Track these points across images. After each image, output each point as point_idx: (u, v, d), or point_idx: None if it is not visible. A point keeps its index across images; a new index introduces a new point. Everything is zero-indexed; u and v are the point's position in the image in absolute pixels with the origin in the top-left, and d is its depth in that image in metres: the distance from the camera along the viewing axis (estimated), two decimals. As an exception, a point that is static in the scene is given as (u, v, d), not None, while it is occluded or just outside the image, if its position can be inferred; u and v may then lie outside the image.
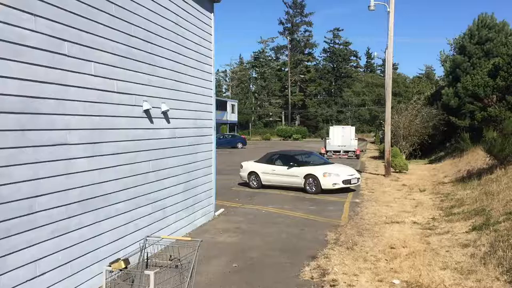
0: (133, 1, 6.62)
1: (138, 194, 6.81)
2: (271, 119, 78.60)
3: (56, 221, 5.02)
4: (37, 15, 4.74)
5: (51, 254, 4.91)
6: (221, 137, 43.09)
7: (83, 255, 5.43)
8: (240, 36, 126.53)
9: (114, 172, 6.16)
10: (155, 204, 7.37)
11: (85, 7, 5.49)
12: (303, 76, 77.60)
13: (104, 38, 5.90)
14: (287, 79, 76.64)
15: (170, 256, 4.77)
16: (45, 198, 4.86)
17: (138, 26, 6.76)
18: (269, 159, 15.72)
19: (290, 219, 10.29)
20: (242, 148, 41.95)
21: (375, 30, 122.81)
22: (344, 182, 14.07)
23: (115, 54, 6.16)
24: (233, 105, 61.07)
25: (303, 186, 14.25)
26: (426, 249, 7.46)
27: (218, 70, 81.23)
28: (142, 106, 6.90)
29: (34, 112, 4.71)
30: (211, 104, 9.92)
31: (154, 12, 7.26)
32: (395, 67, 70.38)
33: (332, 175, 14.07)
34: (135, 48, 6.70)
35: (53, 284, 4.95)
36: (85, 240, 5.48)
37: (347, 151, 29.41)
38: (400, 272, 6.33)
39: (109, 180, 6.04)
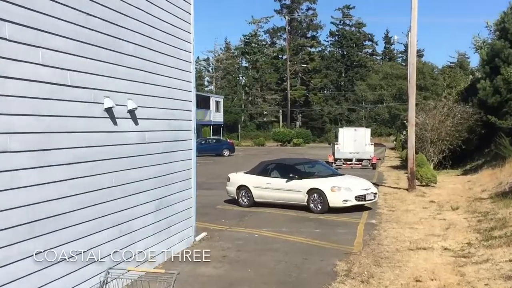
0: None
1: (98, 215, 6.77)
2: (265, 119, 78.80)
3: (-6, 250, 4.97)
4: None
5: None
6: (203, 142, 43.17)
7: (28, 293, 5.37)
8: (226, 15, 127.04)
9: (67, 186, 6.12)
10: (120, 227, 7.32)
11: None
12: (305, 65, 77.88)
13: (56, 18, 5.87)
14: (285, 69, 76.97)
15: (139, 293, 4.75)
16: (-21, 220, 4.81)
17: (98, 3, 6.75)
18: (263, 170, 15.74)
19: (290, 245, 10.30)
20: (229, 155, 42.09)
21: (395, 9, 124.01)
22: (358, 198, 14.11)
23: (69, 38, 6.13)
24: (217, 102, 61.14)
25: (306, 203, 14.26)
26: (460, 282, 7.49)
27: (198, 58, 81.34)
28: (103, 103, 6.88)
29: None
30: (190, 101, 9.93)
31: (119, -14, 7.27)
32: (420, 54, 71.12)
33: (342, 190, 14.09)
34: (95, 31, 6.68)
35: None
36: (30, 274, 5.42)
37: (360, 160, 29.53)
38: (428, 311, 6.36)
39: (61, 197, 5.99)
